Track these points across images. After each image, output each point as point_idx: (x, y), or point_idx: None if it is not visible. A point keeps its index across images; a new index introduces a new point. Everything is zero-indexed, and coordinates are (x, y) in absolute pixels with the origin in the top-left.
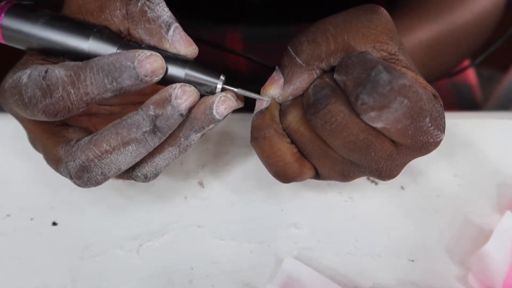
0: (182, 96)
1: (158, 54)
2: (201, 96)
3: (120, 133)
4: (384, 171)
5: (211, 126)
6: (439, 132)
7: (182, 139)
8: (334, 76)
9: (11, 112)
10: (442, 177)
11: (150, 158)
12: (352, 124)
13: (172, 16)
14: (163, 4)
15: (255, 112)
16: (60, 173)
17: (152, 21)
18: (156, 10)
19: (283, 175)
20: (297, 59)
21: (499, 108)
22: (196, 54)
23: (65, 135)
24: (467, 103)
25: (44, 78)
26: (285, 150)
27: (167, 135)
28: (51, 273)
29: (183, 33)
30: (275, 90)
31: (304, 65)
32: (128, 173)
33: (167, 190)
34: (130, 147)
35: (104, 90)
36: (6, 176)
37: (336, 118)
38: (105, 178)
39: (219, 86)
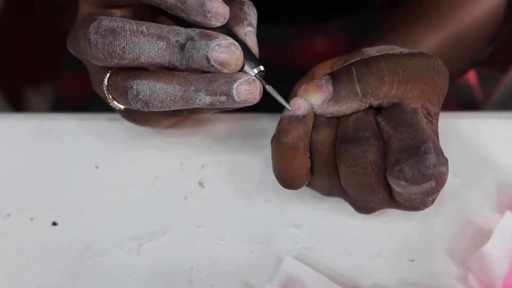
0: (222, 49)
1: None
2: None
3: (162, 28)
4: (367, 209)
5: (222, 99)
6: (431, 204)
7: (191, 88)
8: (378, 119)
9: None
10: None
11: (154, 79)
12: (376, 175)
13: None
14: None
15: (288, 114)
16: (87, 28)
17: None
18: None
19: (289, 183)
20: (357, 86)
21: (499, 108)
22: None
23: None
24: (467, 103)
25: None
26: (304, 164)
27: (188, 64)
28: (51, 273)
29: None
30: (317, 99)
31: (360, 95)
32: (126, 79)
33: (167, 190)
34: (161, 42)
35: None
36: (6, 176)
37: (366, 166)
38: (121, 56)
39: (252, 73)
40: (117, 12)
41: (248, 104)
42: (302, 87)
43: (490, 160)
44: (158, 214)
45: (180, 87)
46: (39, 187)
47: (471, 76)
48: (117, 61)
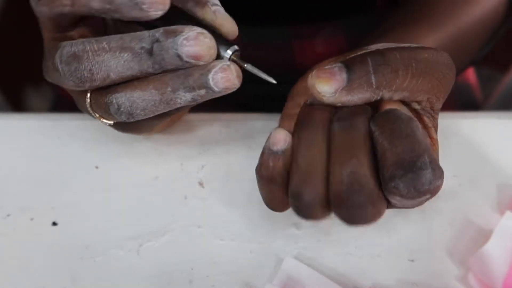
0: (191, 41)
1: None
2: None
3: (123, 38)
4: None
5: (202, 92)
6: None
7: (168, 88)
8: (372, 126)
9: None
10: None
11: (130, 90)
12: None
13: None
14: None
15: (269, 148)
16: (53, 58)
17: None
18: None
19: (274, 209)
20: (372, 77)
21: (499, 108)
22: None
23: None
24: (467, 103)
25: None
26: (283, 196)
27: (160, 67)
28: (51, 273)
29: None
30: (331, 87)
31: (374, 86)
32: (105, 96)
33: (167, 190)
34: (125, 54)
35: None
36: (6, 176)
37: (357, 220)
38: (91, 78)
39: (226, 56)
40: (74, 34)
41: (230, 91)
42: (313, 72)
43: (490, 160)
44: (158, 214)
45: (157, 91)
46: (39, 187)
47: (471, 76)
48: (89, 84)
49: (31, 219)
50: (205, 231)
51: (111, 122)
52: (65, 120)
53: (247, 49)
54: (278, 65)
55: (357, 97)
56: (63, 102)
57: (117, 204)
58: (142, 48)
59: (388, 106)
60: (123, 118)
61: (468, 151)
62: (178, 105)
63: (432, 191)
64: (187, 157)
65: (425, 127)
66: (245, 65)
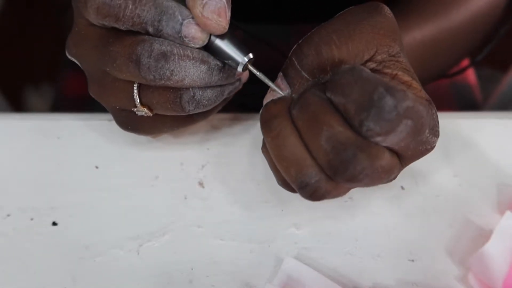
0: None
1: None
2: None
3: (201, 52)
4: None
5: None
6: (435, 138)
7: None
8: (327, 95)
9: (76, 9)
10: (442, 177)
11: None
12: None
13: None
14: None
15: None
16: (134, 52)
17: None
18: None
19: (296, 178)
20: (303, 73)
21: (499, 108)
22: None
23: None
24: (467, 103)
25: None
26: (300, 148)
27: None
28: (51, 273)
29: (220, 5)
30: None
31: (310, 78)
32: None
33: (167, 190)
34: (203, 66)
35: (150, 23)
36: (6, 176)
37: (364, 177)
38: (169, 78)
39: (242, 62)
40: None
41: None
42: (267, 99)
43: (490, 160)
44: (158, 214)
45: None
46: (39, 187)
47: (471, 76)
48: (163, 82)
49: (31, 219)
50: (205, 231)
51: (150, 114)
52: (65, 120)
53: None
54: (277, 64)
55: (303, 89)
56: (63, 102)
57: (117, 204)
58: (216, 65)
59: None
60: (192, 106)
61: (468, 151)
62: (225, 96)
63: (406, 114)
64: (187, 157)
65: (392, 77)
66: (258, 73)
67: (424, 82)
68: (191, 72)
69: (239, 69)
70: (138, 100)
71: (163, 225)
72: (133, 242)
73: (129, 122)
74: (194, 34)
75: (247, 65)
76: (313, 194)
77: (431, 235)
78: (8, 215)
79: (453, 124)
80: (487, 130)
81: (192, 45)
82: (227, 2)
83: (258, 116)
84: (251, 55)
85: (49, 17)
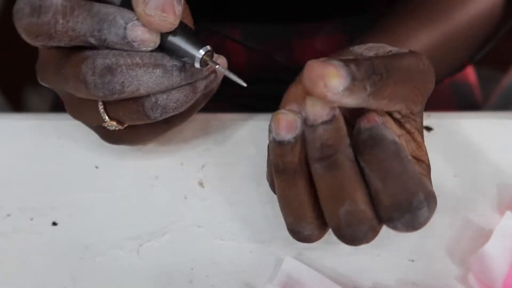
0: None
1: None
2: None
3: (153, 55)
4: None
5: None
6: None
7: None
8: (360, 162)
9: None
10: (442, 177)
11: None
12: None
13: None
14: None
15: (276, 138)
16: (80, 71)
17: None
18: None
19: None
20: (367, 84)
21: (499, 108)
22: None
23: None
24: (467, 103)
25: None
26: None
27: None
28: (51, 273)
29: (161, 2)
30: (339, 83)
31: (367, 93)
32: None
33: (167, 190)
34: (158, 70)
35: (90, 35)
36: (6, 176)
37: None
38: (121, 91)
39: (199, 56)
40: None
41: (145, 47)
42: (314, 64)
43: (490, 160)
44: (158, 214)
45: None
46: (39, 187)
47: (471, 76)
48: (116, 96)
49: (31, 219)
50: (205, 231)
51: (121, 127)
52: (65, 120)
53: (247, 48)
54: (278, 63)
55: (354, 101)
56: (63, 102)
57: (117, 204)
58: (173, 65)
59: (371, 117)
60: (158, 113)
61: (468, 151)
62: (199, 94)
63: (428, 221)
64: (187, 157)
65: (408, 132)
66: (216, 66)
67: None
68: (145, 79)
69: (196, 65)
70: (105, 116)
71: (163, 225)
72: (133, 242)
73: (109, 136)
74: (142, 36)
75: (206, 59)
76: (302, 240)
77: (431, 235)
78: (8, 215)
79: (453, 124)
80: (487, 130)
81: (144, 48)
82: None
83: (258, 116)
84: (208, 47)
85: None
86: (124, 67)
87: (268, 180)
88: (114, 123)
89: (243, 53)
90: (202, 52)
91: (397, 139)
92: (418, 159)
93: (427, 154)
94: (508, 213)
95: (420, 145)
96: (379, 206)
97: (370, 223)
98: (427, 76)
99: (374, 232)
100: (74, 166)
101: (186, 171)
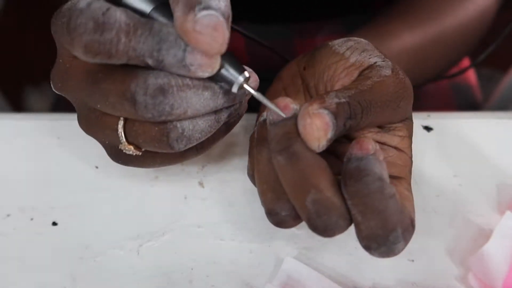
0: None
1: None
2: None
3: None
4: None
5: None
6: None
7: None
8: (343, 193)
9: (55, 39)
10: (442, 177)
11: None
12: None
13: None
14: None
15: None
16: (128, 89)
17: None
18: None
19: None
20: (344, 128)
21: (499, 108)
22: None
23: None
24: (467, 103)
25: (104, 13)
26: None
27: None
28: (51, 273)
29: (216, 21)
30: (327, 140)
31: (345, 131)
32: (163, 123)
33: (167, 190)
34: (206, 92)
35: (149, 55)
36: (6, 176)
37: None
38: (170, 113)
39: (239, 81)
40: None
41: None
42: (309, 120)
43: (490, 160)
44: (158, 214)
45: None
46: (39, 187)
47: (471, 76)
48: (163, 118)
49: (31, 219)
50: (205, 231)
51: (139, 152)
52: (65, 120)
53: (249, 47)
54: (279, 63)
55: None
56: (63, 102)
57: (117, 204)
58: (221, 87)
59: (365, 145)
60: (182, 144)
61: (468, 151)
62: (220, 124)
63: (403, 250)
64: None
65: (401, 139)
66: (255, 94)
67: None
68: (193, 101)
69: (234, 89)
70: (123, 139)
71: (163, 225)
72: (133, 242)
73: (119, 157)
74: (201, 60)
75: (243, 85)
76: (279, 223)
77: (431, 235)
78: (8, 215)
79: (453, 124)
80: (487, 130)
81: (200, 74)
82: (226, 21)
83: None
84: (246, 74)
85: (49, 17)
86: (175, 88)
87: (249, 174)
88: (132, 147)
89: (245, 53)
90: (243, 77)
91: (384, 175)
92: (400, 150)
93: (410, 146)
94: (508, 213)
95: (407, 152)
96: (358, 233)
97: (339, 211)
98: (405, 101)
99: (346, 221)
100: (74, 166)
101: (186, 171)
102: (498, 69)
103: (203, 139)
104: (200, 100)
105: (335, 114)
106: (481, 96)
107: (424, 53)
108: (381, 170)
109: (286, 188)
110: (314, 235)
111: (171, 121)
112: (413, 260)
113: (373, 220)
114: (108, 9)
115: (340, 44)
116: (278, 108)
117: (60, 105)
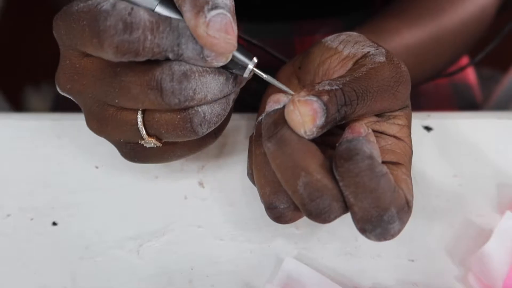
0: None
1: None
2: (227, 69)
3: None
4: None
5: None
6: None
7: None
8: (335, 174)
9: (60, 40)
10: (442, 177)
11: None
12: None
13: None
14: None
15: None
16: (153, 78)
17: None
18: None
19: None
20: (337, 116)
21: (499, 108)
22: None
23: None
24: (467, 103)
25: (129, 13)
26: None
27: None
28: (51, 273)
29: (225, 21)
30: (316, 127)
31: (338, 120)
32: (184, 110)
33: (167, 190)
34: (221, 77)
35: (170, 50)
36: (6, 176)
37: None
38: (193, 97)
39: (250, 67)
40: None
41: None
42: (296, 104)
43: (490, 160)
44: (158, 214)
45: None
46: (39, 187)
47: (471, 76)
48: (187, 103)
49: (31, 219)
50: (205, 231)
51: (159, 144)
52: (65, 120)
53: (248, 46)
54: (276, 63)
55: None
56: (63, 102)
57: (117, 204)
58: (232, 73)
59: (357, 128)
60: (205, 128)
61: (468, 151)
62: (230, 106)
63: (400, 232)
64: (187, 157)
65: (400, 128)
66: (265, 76)
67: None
68: (212, 86)
69: (246, 75)
70: (144, 132)
71: (163, 225)
72: (133, 242)
73: (136, 154)
74: (220, 49)
75: (253, 69)
76: (278, 218)
77: (431, 235)
78: (8, 215)
79: (453, 124)
80: (487, 130)
81: (215, 63)
82: (232, 17)
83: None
84: (255, 59)
85: (49, 17)
86: (196, 74)
87: (248, 174)
88: (153, 139)
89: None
90: (253, 63)
91: (375, 153)
92: (399, 139)
93: (410, 136)
94: (508, 213)
95: (402, 127)
96: (352, 216)
97: (331, 192)
98: (403, 87)
99: (339, 203)
100: (74, 166)
101: (186, 171)
102: (498, 69)
103: (220, 122)
104: (217, 85)
105: (326, 101)
106: (481, 95)
107: (424, 51)
108: (371, 149)
109: (278, 175)
110: (314, 235)
111: (192, 107)
112: (413, 260)
113: (365, 200)
114: (132, 9)
115: (332, 40)
116: (288, 89)
117: (60, 105)
